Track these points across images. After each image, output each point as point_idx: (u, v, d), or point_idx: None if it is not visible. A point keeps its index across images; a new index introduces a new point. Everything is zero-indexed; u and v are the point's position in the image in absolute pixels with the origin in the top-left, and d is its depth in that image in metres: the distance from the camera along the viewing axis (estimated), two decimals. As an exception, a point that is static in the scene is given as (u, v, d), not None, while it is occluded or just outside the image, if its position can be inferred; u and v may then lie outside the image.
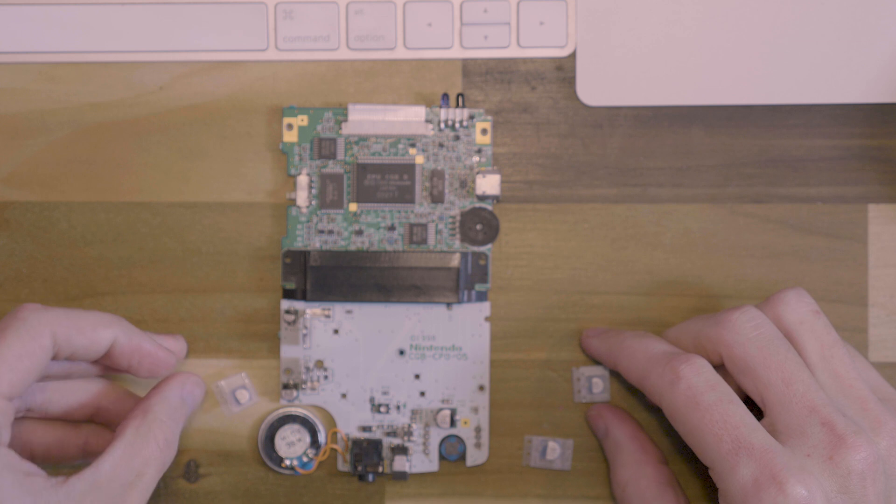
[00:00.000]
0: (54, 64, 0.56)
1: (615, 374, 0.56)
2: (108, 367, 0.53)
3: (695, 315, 0.55)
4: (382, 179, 0.55)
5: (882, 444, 0.46)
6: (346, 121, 0.55)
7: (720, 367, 0.49)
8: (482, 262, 0.55)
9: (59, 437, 0.53)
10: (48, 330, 0.48)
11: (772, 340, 0.48)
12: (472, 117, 0.55)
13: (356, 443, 0.55)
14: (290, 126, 0.56)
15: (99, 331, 0.50)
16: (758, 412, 0.49)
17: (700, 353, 0.50)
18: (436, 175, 0.55)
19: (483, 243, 0.55)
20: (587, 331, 0.55)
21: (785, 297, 0.50)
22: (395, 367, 0.56)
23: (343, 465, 0.56)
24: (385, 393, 0.56)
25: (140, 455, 0.49)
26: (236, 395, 0.56)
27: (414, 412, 0.56)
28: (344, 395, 0.56)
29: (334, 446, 0.56)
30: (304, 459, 0.56)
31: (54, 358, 0.49)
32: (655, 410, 0.56)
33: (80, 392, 0.53)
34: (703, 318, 0.51)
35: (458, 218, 0.55)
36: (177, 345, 0.55)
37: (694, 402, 0.47)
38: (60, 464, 0.54)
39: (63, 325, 0.48)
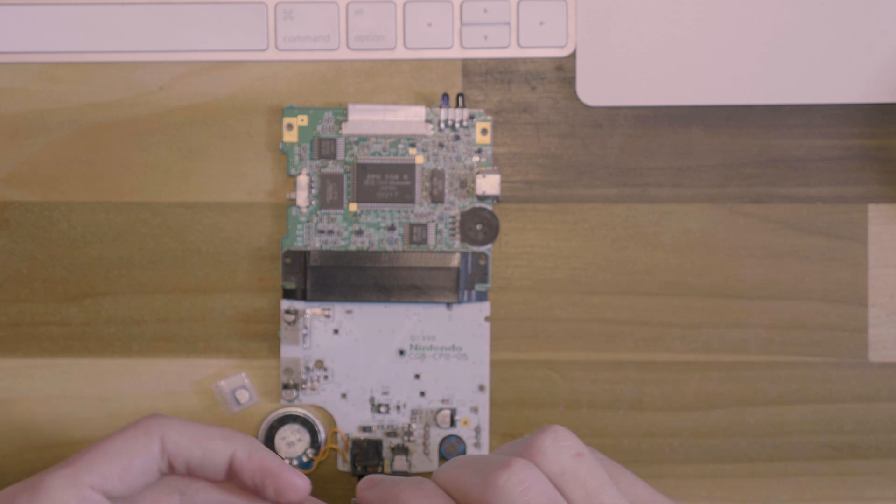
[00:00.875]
0: (54, 64, 0.56)
1: None
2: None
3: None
4: (382, 179, 0.55)
5: None
6: (346, 121, 0.55)
7: None
8: (482, 262, 0.55)
9: None
10: (157, 431, 0.46)
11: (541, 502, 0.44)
12: (472, 117, 0.55)
13: (356, 443, 0.55)
14: (290, 126, 0.56)
15: (215, 441, 0.47)
16: None
17: None
18: (436, 175, 0.55)
19: (483, 243, 0.55)
20: (363, 482, 0.48)
21: (541, 446, 0.44)
22: (395, 367, 0.56)
23: (343, 465, 0.56)
24: (385, 393, 0.56)
25: None
26: (236, 395, 0.56)
27: (414, 412, 0.56)
28: (344, 395, 0.56)
29: (334, 446, 0.56)
30: (304, 459, 0.56)
31: (170, 470, 0.47)
32: None
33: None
34: (474, 473, 0.45)
35: (458, 218, 0.55)
36: (299, 481, 0.49)
37: None
38: None
39: (176, 431, 0.47)
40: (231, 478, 0.48)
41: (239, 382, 0.56)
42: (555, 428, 0.44)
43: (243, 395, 0.56)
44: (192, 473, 0.48)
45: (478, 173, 0.55)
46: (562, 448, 0.44)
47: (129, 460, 0.46)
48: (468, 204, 0.55)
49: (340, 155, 0.55)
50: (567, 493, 0.44)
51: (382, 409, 0.56)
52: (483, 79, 0.56)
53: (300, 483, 0.48)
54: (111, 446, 0.46)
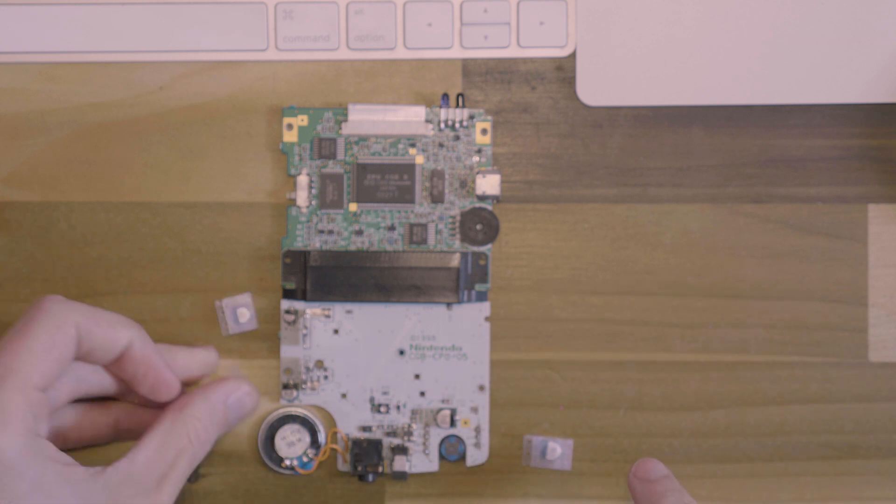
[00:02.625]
0: (54, 64, 0.56)
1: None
2: (115, 377, 0.53)
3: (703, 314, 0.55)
4: (382, 179, 0.55)
5: None
6: (346, 121, 0.55)
7: None
8: (482, 262, 0.55)
9: (88, 418, 0.53)
10: (73, 321, 0.48)
11: None
12: (472, 117, 0.55)
13: (356, 443, 0.55)
14: (290, 126, 0.56)
15: (118, 329, 0.50)
16: None
17: None
18: (436, 175, 0.55)
19: (483, 243, 0.55)
20: (637, 467, 0.50)
21: None
22: (395, 367, 0.56)
23: (343, 465, 0.56)
24: (385, 393, 0.56)
25: (173, 448, 0.49)
26: (237, 312, 0.56)
27: (414, 412, 0.56)
28: (344, 395, 0.56)
29: (334, 446, 0.56)
30: (304, 459, 0.56)
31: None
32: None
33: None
34: None
35: (458, 218, 0.55)
36: (207, 356, 0.55)
37: None
38: (92, 445, 0.54)
39: (85, 319, 0.49)
40: (114, 366, 0.51)
41: (242, 301, 0.56)
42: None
43: (244, 315, 0.56)
44: (86, 358, 0.50)
45: (478, 173, 0.55)
46: None
47: (59, 353, 0.48)
48: (468, 204, 0.55)
49: (340, 155, 0.55)
50: None
51: (382, 409, 0.56)
52: (483, 79, 0.56)
53: (174, 385, 0.52)
54: (38, 343, 0.47)
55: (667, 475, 0.50)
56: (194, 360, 0.54)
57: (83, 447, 0.54)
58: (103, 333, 0.49)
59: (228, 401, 0.53)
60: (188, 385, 0.55)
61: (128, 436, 0.54)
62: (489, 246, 0.56)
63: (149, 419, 0.52)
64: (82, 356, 0.50)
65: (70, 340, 0.48)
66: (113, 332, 0.49)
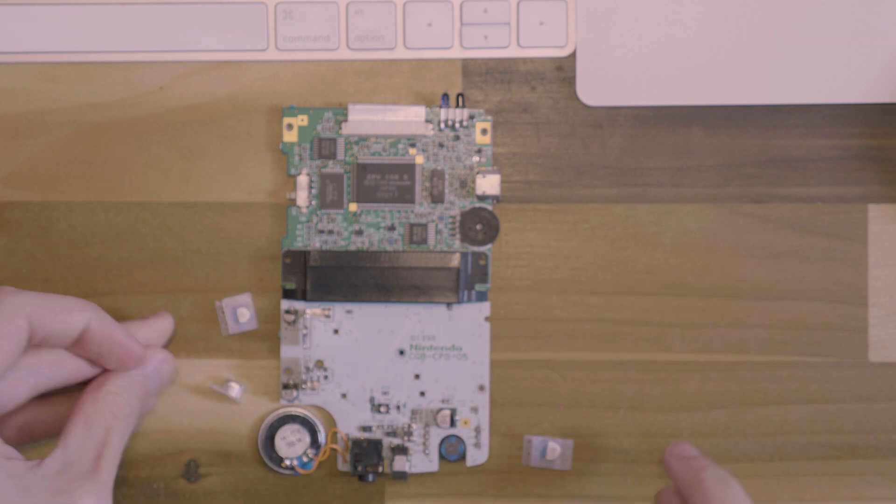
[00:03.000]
0: (54, 64, 0.56)
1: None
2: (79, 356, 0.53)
3: (702, 315, 0.55)
4: (382, 179, 0.55)
5: None
6: (346, 121, 0.55)
7: None
8: (482, 262, 0.55)
9: (53, 410, 0.53)
10: (24, 312, 0.48)
11: None
12: (472, 117, 0.55)
13: (356, 443, 0.55)
14: (290, 126, 0.56)
15: (72, 314, 0.49)
16: None
17: None
18: (436, 175, 0.55)
19: (483, 243, 0.55)
20: (673, 448, 0.52)
21: None
22: (395, 367, 0.56)
23: (343, 465, 0.56)
24: (385, 393, 0.56)
25: (99, 427, 0.49)
26: (237, 312, 0.56)
27: (414, 412, 0.56)
28: (344, 395, 0.56)
29: (334, 446, 0.56)
30: (304, 459, 0.56)
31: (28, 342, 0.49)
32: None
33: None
34: None
35: (458, 218, 0.55)
36: (163, 324, 0.55)
37: None
38: (37, 441, 0.54)
39: (37, 308, 0.48)
40: (75, 347, 0.50)
41: (242, 301, 0.56)
42: None
43: (244, 315, 0.56)
44: (42, 344, 0.50)
45: (478, 173, 0.55)
46: None
47: (8, 346, 0.48)
48: (468, 204, 0.55)
49: (340, 155, 0.55)
50: None
51: (382, 409, 0.56)
52: (483, 79, 0.56)
53: (139, 352, 0.51)
54: None
55: (700, 454, 0.52)
56: (151, 330, 0.54)
57: (51, 439, 0.54)
58: (57, 319, 0.49)
59: (146, 371, 0.52)
60: None
61: None
62: (489, 246, 0.56)
63: None
64: (39, 343, 0.49)
65: (20, 331, 0.48)
66: (67, 317, 0.49)
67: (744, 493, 0.49)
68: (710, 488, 0.49)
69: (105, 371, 0.52)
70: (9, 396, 0.50)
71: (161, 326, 0.55)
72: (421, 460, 0.56)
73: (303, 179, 0.55)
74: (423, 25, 0.56)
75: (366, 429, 0.56)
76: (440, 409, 0.56)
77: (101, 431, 0.49)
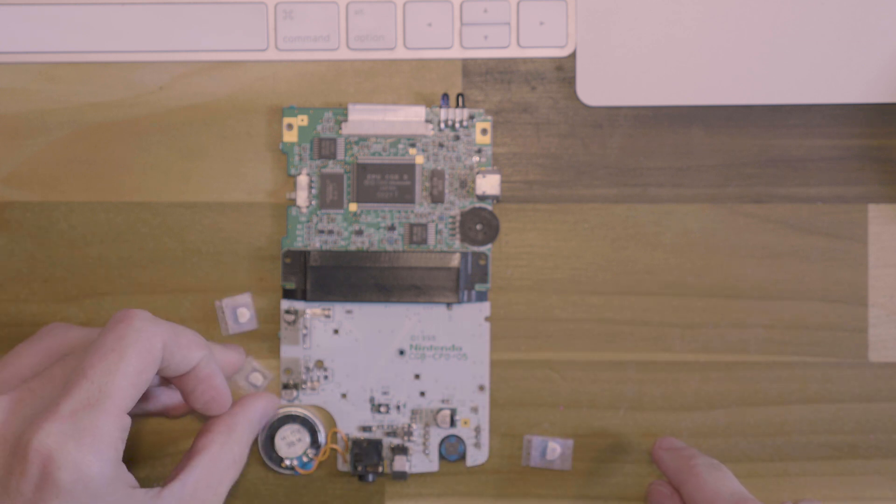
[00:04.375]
0: (54, 64, 0.56)
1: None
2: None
3: (704, 316, 0.55)
4: (382, 179, 0.55)
5: None
6: (346, 121, 0.55)
7: None
8: (482, 262, 0.55)
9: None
10: (161, 342, 0.47)
11: None
12: (472, 117, 0.55)
13: (356, 443, 0.55)
14: (290, 126, 0.56)
15: (193, 349, 0.49)
16: None
17: None
18: (436, 175, 0.55)
19: (483, 243, 0.55)
20: (661, 441, 0.54)
21: None
22: (395, 367, 0.56)
23: (343, 465, 0.56)
24: (385, 393, 0.56)
25: (219, 472, 0.50)
26: (237, 312, 0.56)
27: (414, 412, 0.56)
28: (344, 395, 0.56)
29: (334, 446, 0.56)
30: (304, 459, 0.56)
31: None
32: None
33: None
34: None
35: (458, 218, 0.55)
36: (237, 357, 0.55)
37: None
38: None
39: (170, 340, 0.48)
40: (174, 378, 0.50)
41: (242, 301, 0.56)
42: None
43: (244, 315, 0.56)
44: (161, 373, 0.49)
45: (478, 173, 0.55)
46: None
47: (148, 376, 0.48)
48: (468, 204, 0.55)
49: (340, 155, 0.55)
50: None
51: (382, 409, 0.56)
52: (483, 79, 0.56)
53: (227, 402, 0.51)
54: (131, 366, 0.47)
55: (687, 445, 0.54)
56: (227, 359, 0.54)
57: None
58: (181, 354, 0.49)
59: (263, 417, 0.54)
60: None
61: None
62: (489, 246, 0.56)
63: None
64: (159, 372, 0.49)
65: (157, 362, 0.47)
66: (188, 352, 0.49)
67: (733, 476, 0.50)
68: (702, 473, 0.50)
69: (232, 413, 0.52)
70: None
71: (236, 359, 0.55)
72: (421, 460, 0.56)
73: (303, 179, 0.55)
74: (423, 25, 0.56)
75: (366, 429, 0.56)
76: (440, 409, 0.56)
77: (218, 476, 0.50)
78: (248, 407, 0.53)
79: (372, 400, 0.56)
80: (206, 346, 0.50)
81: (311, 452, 0.56)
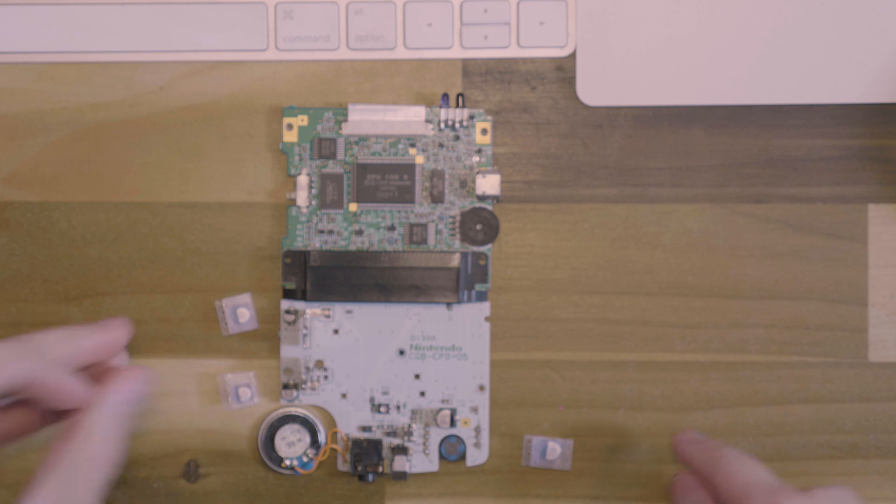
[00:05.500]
0: (54, 64, 0.56)
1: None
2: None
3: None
4: (382, 179, 0.55)
5: None
6: (346, 121, 0.55)
7: None
8: (482, 262, 0.55)
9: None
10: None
11: None
12: (472, 117, 0.55)
13: (356, 443, 0.55)
14: (290, 126, 0.56)
15: (6, 367, 0.47)
16: None
17: None
18: (436, 175, 0.55)
19: (483, 243, 0.55)
20: (683, 435, 0.53)
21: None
22: (395, 367, 0.56)
23: (343, 465, 0.56)
24: (385, 393, 0.56)
25: (77, 488, 0.47)
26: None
27: (414, 412, 0.56)
28: (344, 395, 0.56)
29: (334, 446, 0.56)
30: (304, 459, 0.56)
31: None
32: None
33: None
34: (779, 481, 0.50)
35: (458, 218, 0.55)
36: (115, 337, 0.53)
37: None
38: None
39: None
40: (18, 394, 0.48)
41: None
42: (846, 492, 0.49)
43: (244, 315, 0.56)
44: None
45: (478, 173, 0.55)
46: None
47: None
48: (468, 204, 0.55)
49: (340, 155, 0.55)
50: None
51: (382, 409, 0.56)
52: (483, 79, 0.56)
53: (81, 395, 0.49)
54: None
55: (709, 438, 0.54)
56: (102, 342, 0.52)
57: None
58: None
59: (127, 400, 0.50)
60: (98, 367, 0.53)
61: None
62: (489, 246, 0.56)
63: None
64: None
65: None
66: (6, 372, 0.47)
67: (762, 466, 0.50)
68: (733, 463, 0.49)
69: (79, 413, 0.49)
70: None
71: (113, 340, 0.52)
72: (421, 460, 0.56)
73: (303, 179, 0.55)
74: (423, 25, 0.56)
75: (366, 429, 0.56)
76: (440, 409, 0.56)
77: (79, 481, 0.47)
78: (100, 397, 0.50)
79: (372, 400, 0.56)
80: (28, 357, 0.48)
81: (311, 452, 0.56)
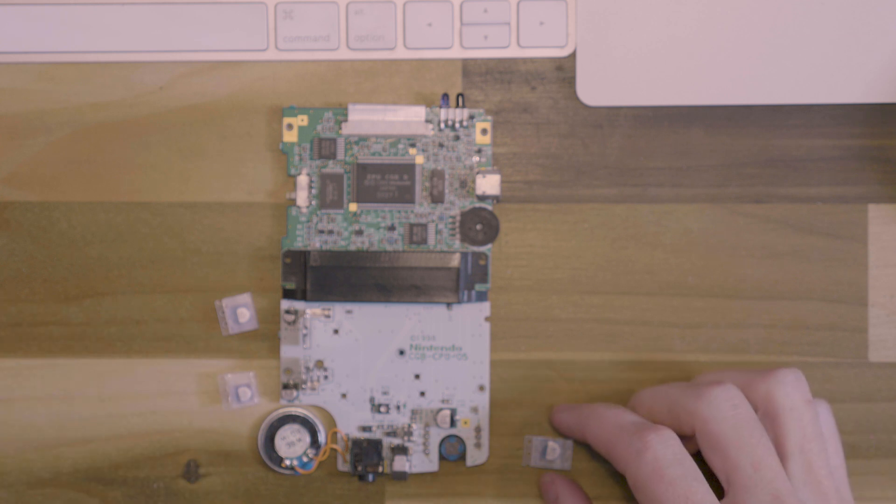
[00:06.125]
0: (54, 64, 0.56)
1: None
2: None
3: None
4: (382, 179, 0.55)
5: None
6: (346, 121, 0.55)
7: (691, 439, 0.50)
8: (482, 262, 0.55)
9: None
10: None
11: (747, 422, 0.48)
12: (472, 117, 0.55)
13: (356, 443, 0.55)
14: (290, 126, 0.56)
15: None
16: (720, 491, 0.48)
17: (674, 421, 0.50)
18: (436, 175, 0.55)
19: (483, 243, 0.55)
20: (557, 406, 0.55)
21: (783, 378, 0.49)
22: (395, 367, 0.56)
23: (343, 465, 0.56)
24: (385, 393, 0.56)
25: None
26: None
27: (414, 412, 0.56)
28: (344, 395, 0.56)
29: (334, 446, 0.56)
30: (304, 459, 0.56)
31: None
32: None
33: None
34: (682, 388, 0.50)
35: (458, 218, 0.55)
36: None
37: (659, 473, 0.47)
38: None
39: None
40: None
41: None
42: (796, 371, 0.49)
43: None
44: None
45: (478, 173, 0.55)
46: (800, 390, 0.49)
47: None
48: (468, 204, 0.55)
49: (340, 155, 0.55)
50: (786, 429, 0.48)
51: (382, 409, 0.56)
52: (483, 79, 0.56)
53: None
54: None
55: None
56: None
57: None
58: None
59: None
60: None
61: None
62: (489, 246, 0.56)
63: None
64: None
65: None
66: None
67: (631, 411, 0.51)
68: (601, 408, 0.51)
69: None
70: None
71: None
72: (421, 460, 0.56)
73: (303, 179, 0.55)
74: (423, 25, 0.56)
75: (366, 429, 0.56)
76: (440, 409, 0.56)
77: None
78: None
79: (372, 400, 0.56)
80: None
81: (311, 452, 0.56)
